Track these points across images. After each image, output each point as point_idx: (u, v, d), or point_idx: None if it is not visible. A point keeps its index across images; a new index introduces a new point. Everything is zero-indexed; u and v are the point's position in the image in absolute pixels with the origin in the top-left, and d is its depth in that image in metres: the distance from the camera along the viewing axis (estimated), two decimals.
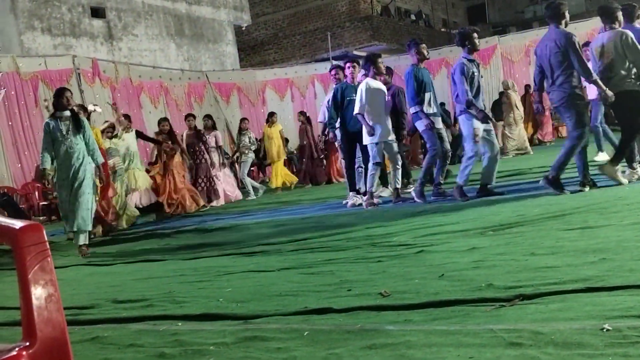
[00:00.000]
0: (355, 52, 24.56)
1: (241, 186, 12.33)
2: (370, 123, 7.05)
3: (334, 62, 9.83)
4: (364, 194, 7.60)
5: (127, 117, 9.65)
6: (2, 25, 15.80)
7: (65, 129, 6.52)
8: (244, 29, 24.62)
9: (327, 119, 8.15)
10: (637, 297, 2.49)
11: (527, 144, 13.36)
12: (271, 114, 13.11)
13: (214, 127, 11.38)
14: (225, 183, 11.28)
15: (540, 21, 27.71)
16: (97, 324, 3.28)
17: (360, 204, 7.49)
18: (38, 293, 1.41)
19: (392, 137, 7.32)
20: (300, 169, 13.51)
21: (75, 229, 6.41)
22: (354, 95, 7.41)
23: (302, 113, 14.08)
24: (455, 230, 4.79)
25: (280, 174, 12.78)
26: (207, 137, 10.91)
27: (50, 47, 16.41)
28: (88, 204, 6.50)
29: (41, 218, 12.17)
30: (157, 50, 19.46)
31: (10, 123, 12.95)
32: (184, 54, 20.42)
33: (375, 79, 7.28)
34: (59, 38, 16.88)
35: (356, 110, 7.11)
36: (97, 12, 18.07)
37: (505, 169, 8.97)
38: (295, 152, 15.86)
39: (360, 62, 7.86)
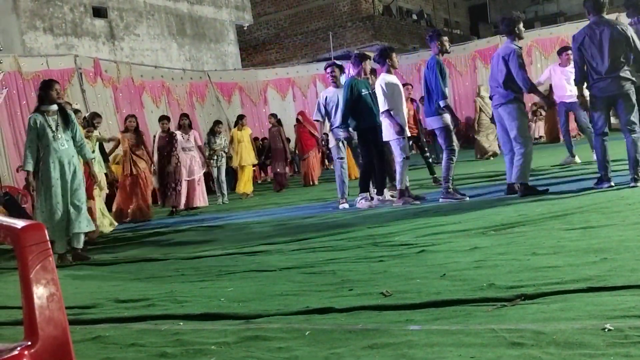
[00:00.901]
0: (356, 52, 24.55)
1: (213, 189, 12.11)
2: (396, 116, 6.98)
3: (328, 61, 9.71)
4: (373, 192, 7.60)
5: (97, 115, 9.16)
6: (4, 25, 15.81)
7: (54, 125, 5.93)
8: (245, 28, 24.63)
9: (335, 118, 7.83)
10: (638, 297, 2.49)
11: (493, 148, 13.08)
12: (240, 117, 12.55)
13: (190, 127, 10.86)
14: (200, 186, 10.75)
15: (541, 21, 27.70)
16: (99, 323, 3.28)
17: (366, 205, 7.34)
18: (40, 292, 1.41)
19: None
20: (281, 173, 12.97)
21: (77, 231, 5.95)
22: (363, 90, 7.30)
23: (273, 115, 13.54)
24: (456, 230, 4.79)
25: (249, 181, 12.29)
26: (186, 136, 10.51)
27: (52, 47, 16.42)
28: (85, 204, 6.17)
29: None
30: (159, 50, 19.47)
31: (12, 123, 12.97)
32: (186, 54, 20.43)
33: (390, 72, 7.17)
34: (61, 38, 16.90)
35: (383, 107, 6.95)
36: (99, 12, 18.09)
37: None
38: (296, 152, 15.74)
39: (372, 58, 7.74)
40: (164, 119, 10.47)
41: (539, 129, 18.13)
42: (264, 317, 2.96)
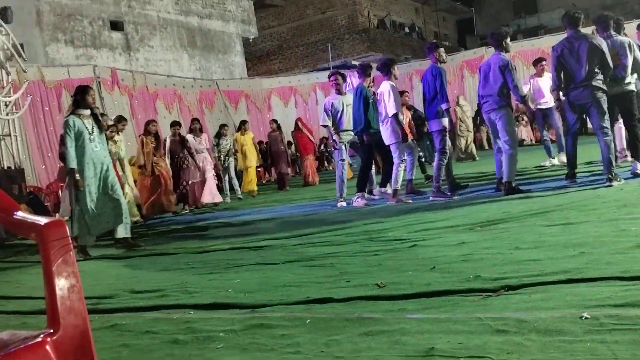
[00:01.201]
0: (353, 62, 24.56)
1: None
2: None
3: (332, 70, 9.65)
4: (370, 192, 7.60)
5: (122, 119, 9.07)
6: (28, 38, 15.80)
7: (90, 127, 5.88)
8: (251, 40, 24.63)
9: (339, 122, 7.76)
10: (613, 288, 2.48)
11: (471, 152, 13.90)
12: (243, 122, 12.54)
13: (201, 130, 10.92)
14: (212, 184, 10.66)
15: (523, 33, 27.71)
16: (116, 312, 3.27)
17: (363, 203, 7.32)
18: (61, 284, 1.41)
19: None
20: (285, 174, 12.87)
21: (123, 222, 5.94)
22: (370, 97, 7.29)
23: (274, 121, 13.45)
24: (445, 226, 4.78)
25: (253, 180, 12.25)
26: (198, 139, 10.50)
27: (73, 58, 16.43)
28: (123, 197, 6.17)
29: (64, 215, 12.18)
30: (171, 60, 19.47)
31: (36, 128, 12.98)
32: (196, 64, 20.43)
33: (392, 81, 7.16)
34: (81, 49, 16.90)
35: (393, 111, 6.92)
36: (116, 26, 18.10)
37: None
38: (297, 155, 15.73)
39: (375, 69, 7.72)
40: (175, 124, 10.44)
41: (521, 133, 18.22)
42: (268, 307, 2.95)
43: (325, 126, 8.04)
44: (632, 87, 6.39)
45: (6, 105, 10.34)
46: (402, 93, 9.43)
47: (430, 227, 4.86)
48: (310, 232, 5.52)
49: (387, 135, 7.09)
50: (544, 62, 9.56)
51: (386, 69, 7.16)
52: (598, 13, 6.73)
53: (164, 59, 19.07)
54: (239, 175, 12.16)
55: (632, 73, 6.42)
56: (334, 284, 3.29)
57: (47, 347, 1.34)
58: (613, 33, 6.52)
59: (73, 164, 5.74)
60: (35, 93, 12.97)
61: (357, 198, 7.34)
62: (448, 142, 7.02)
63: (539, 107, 9.28)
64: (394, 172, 7.10)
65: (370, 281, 3.20)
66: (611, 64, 6.01)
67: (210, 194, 10.51)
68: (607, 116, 5.98)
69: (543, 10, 33.55)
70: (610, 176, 5.83)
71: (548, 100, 9.12)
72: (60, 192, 12.62)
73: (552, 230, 4.01)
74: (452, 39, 36.43)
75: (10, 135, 10.39)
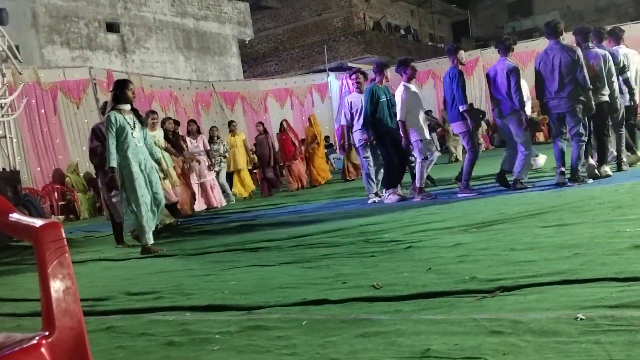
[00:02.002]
0: (349, 64, 24.58)
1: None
2: (412, 123, 7.00)
3: (353, 68, 9.54)
4: (375, 194, 7.60)
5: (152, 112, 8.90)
6: (24, 39, 15.77)
7: (132, 122, 5.64)
8: (247, 42, 24.64)
9: (358, 121, 7.72)
10: (608, 289, 2.49)
11: (458, 154, 14.45)
12: (229, 123, 12.23)
13: (198, 132, 10.50)
14: (214, 187, 10.33)
15: (518, 35, 27.77)
16: (112, 314, 3.27)
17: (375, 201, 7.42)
18: (57, 286, 1.41)
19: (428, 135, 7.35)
20: (271, 178, 12.33)
21: (159, 223, 5.75)
22: (383, 96, 7.28)
23: (260, 123, 13.07)
24: (441, 228, 4.79)
25: (246, 183, 12.00)
26: (194, 141, 10.12)
27: (69, 60, 16.40)
28: (164, 198, 5.97)
29: (60, 217, 12.15)
30: (167, 62, 19.45)
31: (31, 130, 12.94)
32: (192, 66, 20.42)
33: (409, 82, 7.15)
34: (77, 51, 16.87)
35: (398, 118, 6.99)
36: (112, 27, 18.08)
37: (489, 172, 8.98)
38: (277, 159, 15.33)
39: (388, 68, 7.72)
40: (168, 119, 9.60)
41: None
42: (264, 308, 2.95)
43: (344, 125, 7.98)
44: (606, 97, 6.59)
45: (1, 107, 10.31)
46: None
47: (426, 228, 4.86)
48: (307, 233, 5.52)
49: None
50: None
51: (401, 69, 7.16)
52: (580, 25, 7.02)
53: (160, 61, 19.05)
54: (229, 178, 11.89)
55: (606, 84, 6.60)
56: (330, 285, 3.29)
57: (43, 350, 1.34)
58: (591, 45, 6.75)
59: (113, 162, 5.50)
60: (31, 95, 12.93)
61: (389, 195, 7.31)
62: (476, 140, 7.04)
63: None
64: (417, 169, 7.11)
65: (366, 282, 3.20)
66: (587, 76, 6.19)
67: (218, 198, 10.22)
68: (583, 123, 6.29)
69: (538, 13, 33.64)
70: (575, 177, 6.33)
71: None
72: (56, 194, 12.61)
73: (547, 231, 4.02)
74: (448, 41, 36.46)
75: (5, 137, 10.37)
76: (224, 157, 11.42)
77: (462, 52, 7.10)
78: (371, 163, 7.73)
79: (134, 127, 5.64)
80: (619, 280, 2.59)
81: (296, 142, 12.78)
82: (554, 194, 5.90)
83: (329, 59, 22.99)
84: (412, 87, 7.16)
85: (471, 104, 7.26)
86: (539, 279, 2.79)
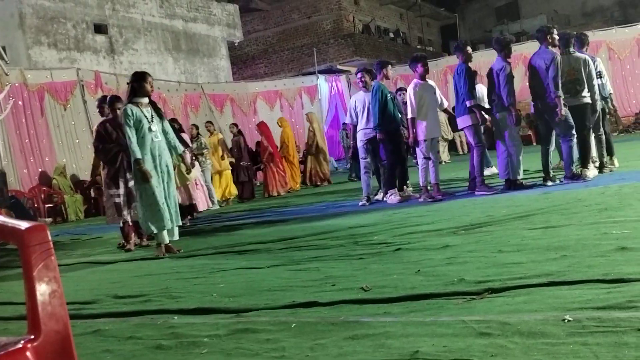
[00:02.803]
0: (339, 67, 24.63)
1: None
2: (420, 121, 6.96)
3: (360, 67, 9.43)
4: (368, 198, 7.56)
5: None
6: (11, 40, 15.64)
7: (149, 116, 5.42)
8: (236, 44, 24.61)
9: (362, 120, 7.62)
10: (595, 291, 2.51)
11: (444, 157, 14.29)
12: (208, 123, 11.87)
13: (181, 130, 9.66)
14: (200, 190, 9.65)
15: None
16: (99, 318, 3.24)
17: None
18: (42, 289, 1.39)
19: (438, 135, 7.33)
20: (244, 181, 12.01)
21: (172, 224, 5.47)
22: (388, 94, 7.24)
23: (234, 125, 12.64)
24: (430, 230, 4.80)
25: (224, 186, 11.42)
26: None
27: (56, 61, 16.28)
28: (176, 198, 5.72)
29: (47, 219, 12.05)
30: (155, 63, 19.37)
31: (17, 131, 12.84)
32: (181, 67, 20.35)
33: (423, 79, 7.08)
34: (64, 52, 16.76)
35: (409, 115, 6.93)
36: (100, 29, 17.98)
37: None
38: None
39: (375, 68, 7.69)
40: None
41: None
42: (253, 311, 2.94)
43: (353, 125, 7.89)
44: (587, 99, 6.80)
45: None
46: (399, 90, 9.73)
47: (415, 230, 4.87)
48: (296, 235, 5.51)
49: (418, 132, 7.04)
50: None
51: (413, 66, 7.11)
52: (561, 31, 7.14)
53: (148, 62, 18.96)
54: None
55: (587, 87, 6.81)
56: (320, 287, 3.29)
57: (28, 354, 1.32)
58: (572, 50, 6.95)
59: (138, 154, 5.29)
60: (18, 96, 12.83)
61: (390, 195, 7.26)
62: (482, 135, 7.05)
63: None
64: (420, 169, 7.05)
65: (355, 285, 3.20)
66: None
67: (204, 200, 9.66)
68: (568, 124, 6.52)
69: (525, 17, 33.90)
70: (571, 174, 6.59)
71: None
72: (42, 196, 12.50)
73: (534, 233, 4.04)
74: (436, 45, 36.68)
75: None
76: (199, 155, 10.66)
77: (469, 48, 7.09)
78: (368, 164, 7.67)
79: (152, 120, 5.42)
80: (605, 281, 2.61)
81: (268, 145, 12.26)
82: (541, 196, 5.94)
83: (318, 62, 23.01)
84: (423, 84, 7.05)
85: (453, 108, 7.30)
86: (527, 280, 2.80)
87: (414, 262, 3.63)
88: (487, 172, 9.31)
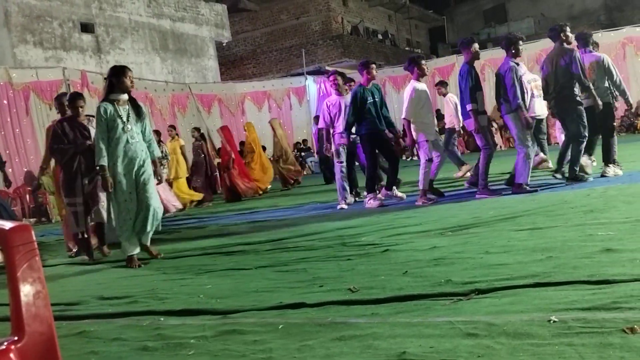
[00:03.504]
0: (327, 68, 24.62)
1: None
2: (420, 122, 6.84)
3: (331, 69, 9.43)
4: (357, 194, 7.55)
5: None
6: None
7: (125, 115, 5.01)
8: (224, 45, 24.53)
9: (337, 123, 7.51)
10: (580, 292, 2.53)
11: None
12: (170, 127, 11.39)
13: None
14: (166, 193, 9.27)
15: (493, 42, 28.16)
16: (84, 319, 3.21)
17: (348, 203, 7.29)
18: (26, 290, 1.38)
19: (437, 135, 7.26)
20: (196, 187, 11.68)
21: (148, 229, 5.12)
22: (370, 97, 7.03)
23: (196, 129, 12.39)
24: (417, 231, 4.82)
25: (183, 192, 10.95)
26: None
27: (42, 60, 16.13)
28: (156, 199, 5.24)
29: (32, 220, 11.94)
30: (142, 63, 19.25)
31: (2, 131, 12.70)
32: (168, 67, 20.25)
33: (419, 80, 6.95)
34: (50, 51, 16.61)
35: (402, 115, 6.82)
36: (87, 28, 17.84)
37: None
38: (271, 159, 15.28)
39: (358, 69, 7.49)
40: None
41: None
42: (240, 312, 2.93)
43: (324, 129, 7.73)
44: (608, 99, 6.83)
45: None
46: None
47: (403, 232, 4.88)
48: (284, 237, 5.50)
49: (414, 133, 6.89)
50: (440, 85, 10.13)
51: (411, 67, 6.95)
52: (580, 30, 7.29)
53: (135, 62, 18.85)
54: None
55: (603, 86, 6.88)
56: (307, 288, 3.29)
57: (12, 355, 1.31)
58: (590, 48, 7.05)
59: (103, 160, 4.89)
60: (2, 95, 12.70)
61: (369, 199, 7.10)
62: (490, 138, 6.88)
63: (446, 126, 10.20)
64: (421, 171, 6.83)
65: (343, 286, 3.21)
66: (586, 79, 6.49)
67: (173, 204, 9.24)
68: (581, 124, 6.56)
69: (512, 20, 34.16)
70: (574, 176, 6.62)
71: (447, 121, 10.09)
72: (27, 196, 12.38)
73: (520, 234, 4.07)
74: (425, 47, 36.84)
75: None
76: (165, 163, 10.23)
77: (476, 45, 6.79)
78: (344, 169, 7.54)
79: (128, 120, 5.02)
80: (590, 283, 2.63)
81: (229, 149, 11.94)
82: (527, 198, 5.98)
83: (307, 63, 23.02)
84: (421, 85, 6.94)
85: (437, 110, 7.23)
86: (513, 281, 2.82)
87: (402, 263, 3.64)
88: (459, 173, 9.37)
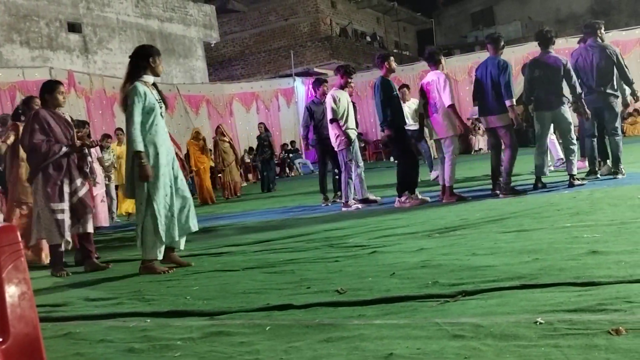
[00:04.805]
0: (316, 69, 24.65)
1: None
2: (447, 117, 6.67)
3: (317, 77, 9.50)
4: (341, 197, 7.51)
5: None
6: None
7: (158, 98, 4.54)
8: (212, 45, 24.47)
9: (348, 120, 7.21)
10: (566, 293, 2.55)
11: None
12: (118, 130, 10.64)
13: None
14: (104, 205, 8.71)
15: (481, 45, 28.33)
16: (70, 320, 3.18)
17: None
18: (11, 291, 1.36)
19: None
20: None
21: (192, 229, 4.67)
22: (395, 90, 6.84)
23: (120, 130, 10.85)
24: (405, 233, 4.83)
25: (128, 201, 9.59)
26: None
27: (29, 59, 15.99)
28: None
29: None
30: None
31: None
32: None
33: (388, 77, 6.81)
34: (37, 51, 16.47)
35: (448, 102, 6.48)
36: (74, 27, 17.71)
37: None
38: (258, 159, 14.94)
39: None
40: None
41: (478, 142, 18.61)
42: (227, 314, 2.92)
43: (334, 121, 7.20)
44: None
45: None
46: (403, 87, 9.74)
47: (390, 233, 4.90)
48: (271, 238, 5.49)
49: (442, 128, 6.62)
50: (405, 89, 10.04)
51: (432, 60, 6.84)
52: (567, 33, 7.38)
53: (122, 62, 18.62)
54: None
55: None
56: (295, 290, 3.28)
57: None
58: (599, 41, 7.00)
59: (140, 145, 4.30)
60: None
61: (406, 199, 6.69)
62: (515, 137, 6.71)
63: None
64: (447, 168, 6.58)
65: (330, 287, 3.21)
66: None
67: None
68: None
69: (500, 23, 34.37)
70: (616, 170, 6.74)
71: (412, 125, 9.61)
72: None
73: (507, 236, 4.10)
74: (413, 49, 36.98)
75: None
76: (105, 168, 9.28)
77: (501, 42, 6.74)
78: (353, 168, 7.22)
79: (161, 105, 4.55)
80: (576, 284, 2.65)
81: (201, 153, 11.66)
82: (514, 200, 6.02)
83: (295, 64, 23.03)
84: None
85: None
86: (500, 283, 2.84)
87: (389, 264, 3.65)
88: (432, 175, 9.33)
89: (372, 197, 7.60)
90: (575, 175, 6.51)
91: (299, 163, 20.01)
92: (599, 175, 6.88)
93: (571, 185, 6.40)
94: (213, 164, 12.60)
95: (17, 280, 1.39)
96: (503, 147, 6.67)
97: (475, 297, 2.67)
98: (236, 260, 4.58)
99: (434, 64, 6.82)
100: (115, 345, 2.63)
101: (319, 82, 8.40)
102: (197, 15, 22.26)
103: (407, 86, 10.31)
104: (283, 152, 20.27)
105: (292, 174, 19.81)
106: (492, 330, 2.19)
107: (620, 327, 2.03)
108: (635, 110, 17.62)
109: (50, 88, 5.01)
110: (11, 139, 5.54)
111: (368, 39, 31.12)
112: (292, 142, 20.78)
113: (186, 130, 16.68)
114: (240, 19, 28.67)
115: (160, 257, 4.47)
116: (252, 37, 28.44)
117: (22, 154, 5.33)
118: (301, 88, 21.57)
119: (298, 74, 22.45)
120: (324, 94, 7.91)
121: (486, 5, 36.35)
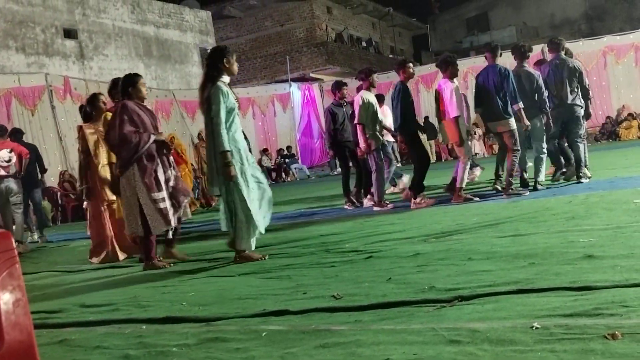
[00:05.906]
0: (311, 75, 24.70)
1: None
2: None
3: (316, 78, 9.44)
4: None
5: None
6: None
7: (235, 98, 4.71)
8: (208, 51, 24.47)
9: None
10: (562, 298, 2.55)
11: None
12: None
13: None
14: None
15: (476, 50, 28.45)
16: (65, 327, 3.16)
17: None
18: (6, 298, 1.35)
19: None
20: None
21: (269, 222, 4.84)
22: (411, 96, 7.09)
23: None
24: (401, 238, 4.83)
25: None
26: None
27: (24, 65, 15.97)
28: None
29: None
30: (126, 69, 19.09)
31: None
32: (152, 73, 20.15)
33: (452, 80, 6.88)
34: (33, 57, 16.45)
35: (454, 113, 6.67)
36: (70, 33, 17.70)
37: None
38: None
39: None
40: None
41: (474, 146, 18.63)
42: (223, 320, 2.91)
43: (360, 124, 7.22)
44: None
45: None
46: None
47: (387, 238, 4.89)
48: (267, 243, 5.48)
49: (453, 133, 6.82)
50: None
51: (443, 67, 6.89)
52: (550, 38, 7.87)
53: (119, 68, 18.72)
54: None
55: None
56: (291, 295, 3.27)
57: None
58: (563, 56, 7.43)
59: (227, 145, 4.45)
60: None
61: (421, 200, 6.92)
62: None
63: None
64: (459, 170, 6.81)
65: (327, 293, 3.20)
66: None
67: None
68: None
69: (495, 28, 34.51)
70: (579, 174, 7.14)
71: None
72: None
73: (503, 241, 4.10)
74: (408, 54, 37.05)
75: None
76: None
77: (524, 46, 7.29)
78: (383, 169, 7.35)
79: (239, 106, 4.71)
80: (572, 289, 2.65)
81: (184, 157, 11.25)
82: (510, 204, 6.03)
83: (291, 70, 23.06)
84: (455, 85, 6.89)
85: (426, 117, 7.33)
86: (496, 288, 2.83)
87: (385, 269, 3.64)
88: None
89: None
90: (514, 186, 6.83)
91: (295, 168, 20.01)
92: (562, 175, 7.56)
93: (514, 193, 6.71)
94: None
95: (11, 287, 1.38)
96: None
97: (471, 302, 2.67)
98: (232, 266, 4.57)
99: (443, 71, 7.00)
100: (111, 351, 2.62)
101: (338, 85, 8.33)
102: (193, 21, 22.29)
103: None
104: (279, 157, 20.27)
105: (289, 179, 19.81)
106: (488, 335, 2.19)
107: (617, 332, 2.03)
108: (630, 114, 17.72)
109: (133, 81, 5.13)
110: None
111: (364, 44, 31.18)
112: (289, 147, 20.79)
113: (182, 136, 16.66)
114: (236, 24, 28.71)
115: (253, 247, 4.71)
116: (248, 42, 28.47)
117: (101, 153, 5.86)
118: (297, 93, 21.60)
119: (294, 80, 22.49)
120: (343, 97, 8.17)
121: (481, 11, 36.49)
